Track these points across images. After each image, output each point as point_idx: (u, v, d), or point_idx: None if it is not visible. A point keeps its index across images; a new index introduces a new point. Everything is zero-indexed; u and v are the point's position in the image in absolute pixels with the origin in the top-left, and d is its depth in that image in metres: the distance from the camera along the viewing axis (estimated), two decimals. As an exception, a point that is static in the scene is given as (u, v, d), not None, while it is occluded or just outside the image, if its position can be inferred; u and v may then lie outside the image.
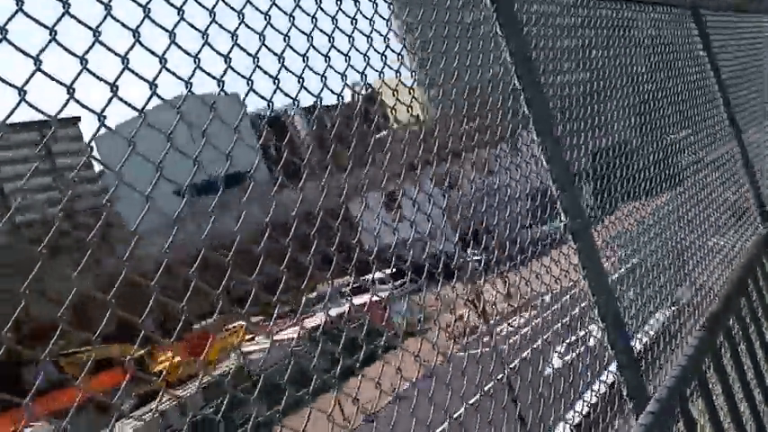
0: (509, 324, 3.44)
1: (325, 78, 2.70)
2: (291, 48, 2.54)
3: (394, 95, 3.16)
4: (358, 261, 3.23)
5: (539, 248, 4.43)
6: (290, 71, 2.46)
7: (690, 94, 6.29)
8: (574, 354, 4.11)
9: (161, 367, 47.54)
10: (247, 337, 47.66)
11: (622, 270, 4.72)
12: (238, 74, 2.18)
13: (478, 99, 3.83)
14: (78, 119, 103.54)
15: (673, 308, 5.16)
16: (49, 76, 1.72)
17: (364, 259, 3.37)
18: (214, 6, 2.30)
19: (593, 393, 4.09)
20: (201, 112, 2.04)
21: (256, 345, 45.02)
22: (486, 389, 3.50)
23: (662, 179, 5.50)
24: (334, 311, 44.63)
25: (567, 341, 4.17)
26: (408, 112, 3.27)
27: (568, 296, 4.48)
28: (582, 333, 4.20)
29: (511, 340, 3.42)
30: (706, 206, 5.95)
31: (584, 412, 3.94)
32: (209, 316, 58.27)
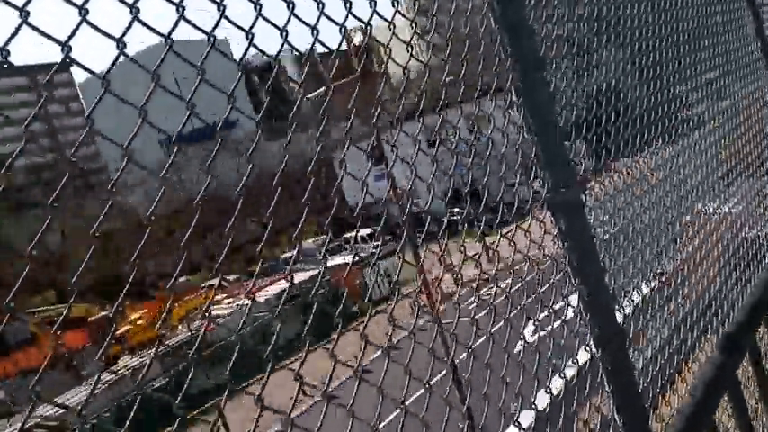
0: (480, 295, 3.24)
1: (317, 31, 2.68)
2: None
3: (394, 37, 3.12)
4: (341, 218, 3.19)
5: (525, 207, 4.28)
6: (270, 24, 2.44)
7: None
8: (551, 327, 3.93)
9: (123, 330, 47.14)
10: (221, 297, 47.43)
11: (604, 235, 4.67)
12: (229, 21, 2.18)
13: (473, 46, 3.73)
14: (70, 64, 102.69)
15: (657, 279, 5.04)
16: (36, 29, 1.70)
17: (347, 216, 3.33)
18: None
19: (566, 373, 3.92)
20: (189, 59, 2.05)
21: (225, 307, 44.63)
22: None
23: (664, 130, 5.38)
24: (304, 274, 44.43)
25: (544, 313, 3.95)
26: (408, 51, 3.22)
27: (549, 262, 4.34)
28: (560, 305, 3.99)
29: (477, 316, 3.23)
30: (705, 164, 5.82)
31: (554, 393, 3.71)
32: (192, 273, 58.28)
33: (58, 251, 63.38)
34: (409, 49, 3.22)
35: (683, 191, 5.46)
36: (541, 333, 3.83)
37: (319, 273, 44.29)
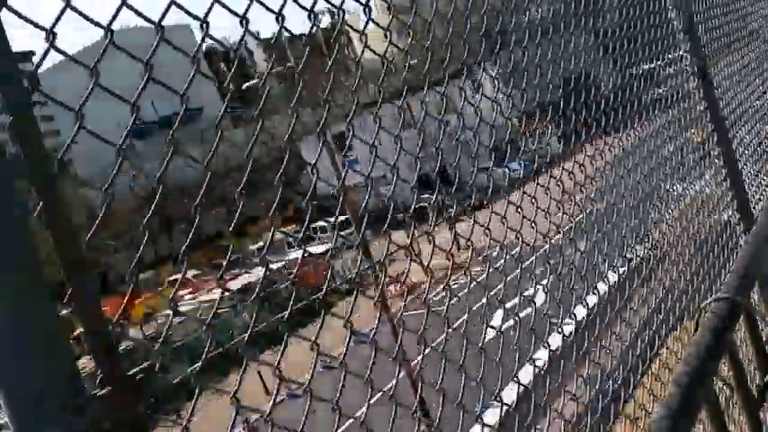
0: (447, 285, 3.15)
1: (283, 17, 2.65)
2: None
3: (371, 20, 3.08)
4: (308, 207, 3.13)
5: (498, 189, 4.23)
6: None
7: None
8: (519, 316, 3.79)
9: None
10: (183, 292, 46.99)
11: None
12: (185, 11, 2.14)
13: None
14: (32, 53, 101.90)
15: (625, 265, 5.02)
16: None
17: (315, 206, 3.26)
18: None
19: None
20: (150, 45, 2.01)
21: (187, 304, 44.00)
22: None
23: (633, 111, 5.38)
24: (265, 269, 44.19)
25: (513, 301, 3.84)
26: (385, 36, 3.19)
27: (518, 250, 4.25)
28: (530, 291, 3.97)
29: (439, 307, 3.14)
30: (672, 145, 5.81)
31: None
32: (156, 267, 57.82)
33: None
34: (388, 35, 3.19)
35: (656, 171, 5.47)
36: (511, 321, 3.74)
37: (284, 265, 43.68)
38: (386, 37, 3.21)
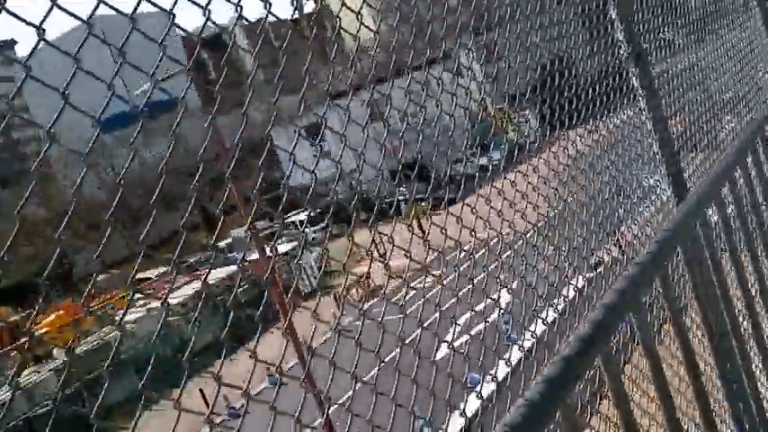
0: (411, 287, 3.04)
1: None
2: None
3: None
4: (279, 200, 3.11)
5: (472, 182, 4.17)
6: None
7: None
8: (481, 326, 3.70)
9: (41, 332, 43.85)
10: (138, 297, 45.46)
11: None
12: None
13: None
14: (15, 42, 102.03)
15: (592, 272, 4.85)
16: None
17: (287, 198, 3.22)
18: None
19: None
20: (125, 32, 2.02)
21: (137, 311, 41.90)
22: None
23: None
24: (226, 270, 41.94)
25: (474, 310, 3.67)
26: (358, 20, 3.19)
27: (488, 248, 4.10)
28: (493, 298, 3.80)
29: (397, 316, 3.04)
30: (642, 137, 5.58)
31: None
32: (119, 266, 56.84)
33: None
34: (359, 17, 3.19)
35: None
36: (466, 336, 3.68)
37: (239, 268, 41.78)
38: (358, 19, 3.21)
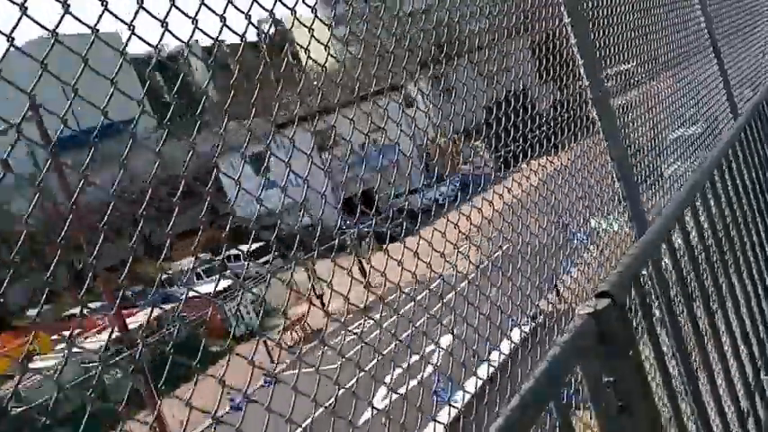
0: (349, 330, 2.94)
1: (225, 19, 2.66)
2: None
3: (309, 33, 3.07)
4: (230, 230, 3.09)
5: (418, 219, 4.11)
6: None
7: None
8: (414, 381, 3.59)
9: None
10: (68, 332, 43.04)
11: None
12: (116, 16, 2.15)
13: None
14: None
15: (530, 324, 4.77)
16: None
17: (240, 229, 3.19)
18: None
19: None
20: (72, 55, 2.01)
21: (53, 355, 38.29)
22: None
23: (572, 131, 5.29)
24: (154, 311, 39.87)
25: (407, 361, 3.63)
26: (326, 51, 3.19)
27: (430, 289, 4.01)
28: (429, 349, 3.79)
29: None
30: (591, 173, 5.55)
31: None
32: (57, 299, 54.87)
33: None
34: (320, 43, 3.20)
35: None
36: (394, 396, 3.52)
37: (174, 309, 39.94)
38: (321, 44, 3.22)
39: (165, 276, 52.64)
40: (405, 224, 3.85)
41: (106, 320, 44.95)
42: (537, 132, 4.93)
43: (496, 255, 4.65)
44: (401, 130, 3.76)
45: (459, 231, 4.14)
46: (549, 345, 4.24)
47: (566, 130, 5.25)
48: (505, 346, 4.27)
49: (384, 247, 3.58)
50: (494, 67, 4.58)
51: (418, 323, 3.86)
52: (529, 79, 5.04)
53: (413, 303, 3.69)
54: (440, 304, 3.95)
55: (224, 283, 41.01)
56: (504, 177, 4.72)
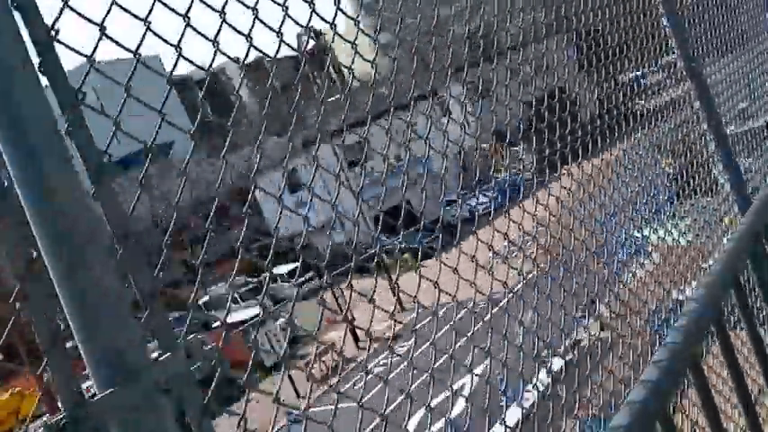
0: (392, 350, 2.76)
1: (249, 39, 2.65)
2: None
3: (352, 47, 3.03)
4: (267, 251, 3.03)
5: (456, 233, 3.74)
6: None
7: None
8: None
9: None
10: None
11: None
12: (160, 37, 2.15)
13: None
14: None
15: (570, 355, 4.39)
16: None
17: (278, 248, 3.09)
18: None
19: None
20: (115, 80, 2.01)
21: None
22: None
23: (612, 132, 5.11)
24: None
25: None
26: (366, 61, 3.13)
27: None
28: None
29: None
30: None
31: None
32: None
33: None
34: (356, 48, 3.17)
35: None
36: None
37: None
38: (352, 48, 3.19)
39: (202, 301, 52.25)
40: (442, 237, 3.65)
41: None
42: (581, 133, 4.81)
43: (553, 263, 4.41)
44: (448, 140, 3.65)
45: (508, 240, 3.92)
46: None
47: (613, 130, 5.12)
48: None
49: (417, 263, 3.35)
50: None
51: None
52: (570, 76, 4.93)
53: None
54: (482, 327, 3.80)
55: (253, 312, 40.14)
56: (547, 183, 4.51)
